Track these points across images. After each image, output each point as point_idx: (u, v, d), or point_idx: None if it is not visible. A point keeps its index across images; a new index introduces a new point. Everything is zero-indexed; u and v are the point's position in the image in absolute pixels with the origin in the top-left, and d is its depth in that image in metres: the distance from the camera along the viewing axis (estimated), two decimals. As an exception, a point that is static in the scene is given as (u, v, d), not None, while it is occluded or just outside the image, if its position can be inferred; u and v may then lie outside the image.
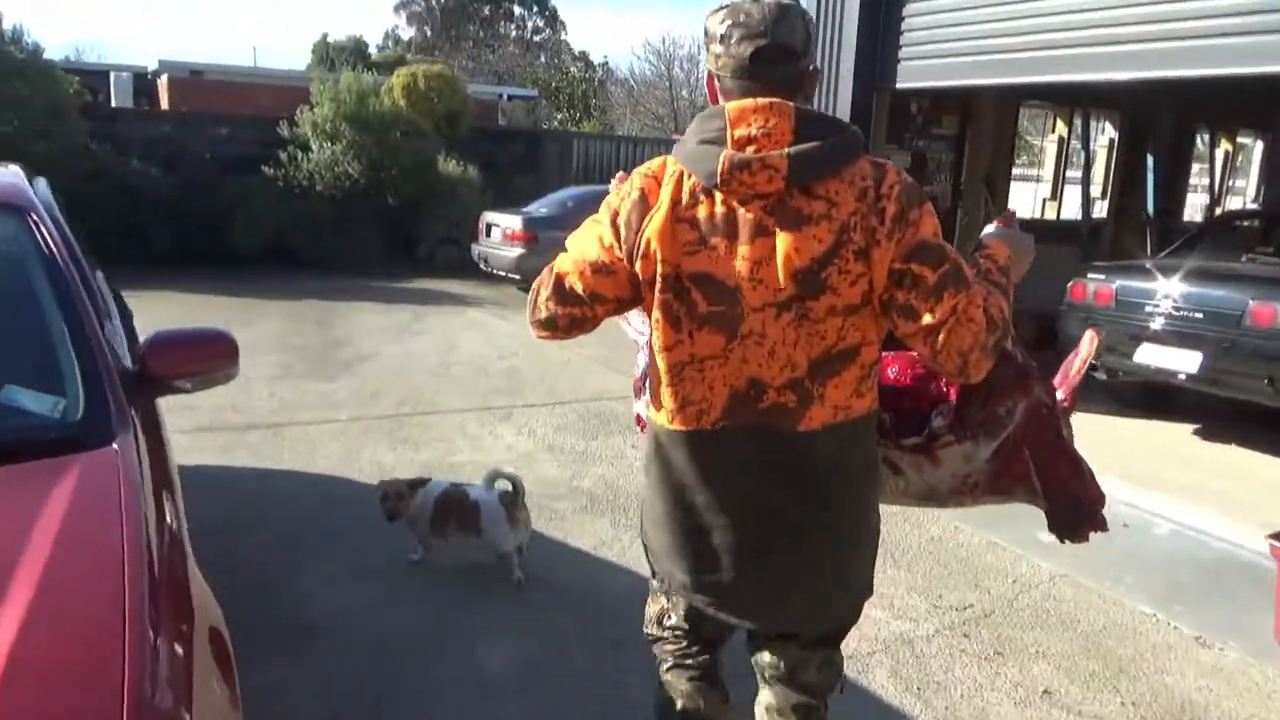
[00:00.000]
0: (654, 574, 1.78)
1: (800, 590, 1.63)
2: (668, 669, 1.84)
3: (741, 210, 1.49)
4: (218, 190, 11.98)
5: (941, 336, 1.45)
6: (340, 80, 12.54)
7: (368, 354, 7.25)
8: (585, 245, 1.61)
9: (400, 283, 11.28)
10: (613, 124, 30.88)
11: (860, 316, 1.50)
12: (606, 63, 37.51)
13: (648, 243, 1.51)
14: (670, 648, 1.84)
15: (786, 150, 1.45)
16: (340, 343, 7.61)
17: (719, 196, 1.50)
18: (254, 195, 11.90)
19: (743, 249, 1.48)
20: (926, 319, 1.45)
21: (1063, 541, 1.89)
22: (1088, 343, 2.04)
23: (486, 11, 44.72)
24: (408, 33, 44.30)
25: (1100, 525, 1.86)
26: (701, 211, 1.50)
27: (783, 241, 1.46)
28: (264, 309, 9.03)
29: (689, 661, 1.82)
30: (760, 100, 1.49)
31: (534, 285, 1.68)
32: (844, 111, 6.25)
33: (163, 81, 15.97)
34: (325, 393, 6.02)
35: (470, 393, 6.22)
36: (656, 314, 1.55)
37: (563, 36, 42.92)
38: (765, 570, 1.62)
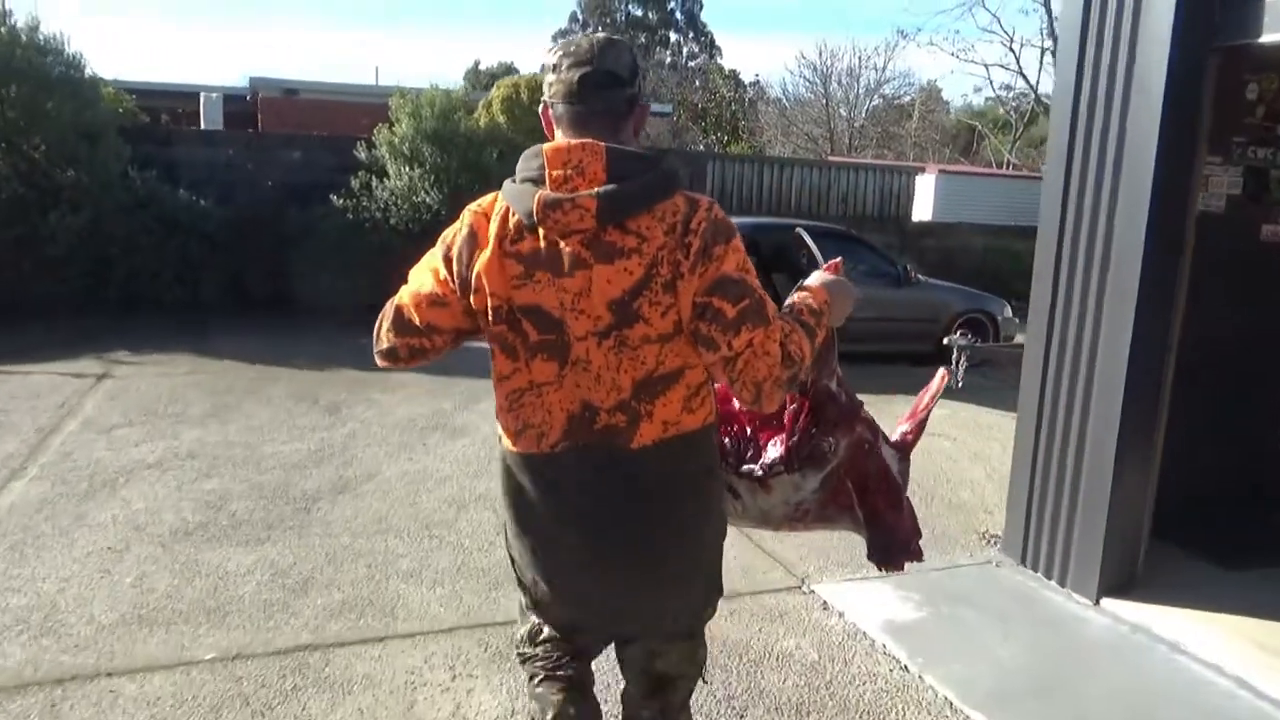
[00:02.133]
0: (520, 583, 1.84)
1: (644, 596, 1.74)
2: (539, 682, 1.87)
3: (562, 244, 1.56)
4: (279, 223, 10.13)
5: (738, 367, 1.53)
6: (421, 94, 10.48)
7: (356, 478, 4.86)
8: (421, 278, 1.70)
9: (470, 340, 8.96)
10: (763, 146, 28.20)
11: (676, 343, 1.60)
12: (758, 81, 34.94)
13: (478, 277, 1.60)
14: (541, 662, 1.87)
15: (595, 190, 1.54)
16: (329, 453, 5.26)
17: (541, 232, 1.57)
18: (317, 229, 9.96)
19: (564, 281, 1.57)
20: (724, 350, 1.53)
21: (880, 570, 2.01)
22: (938, 380, 2.23)
23: (643, 39, 43.58)
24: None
25: (915, 556, 2.03)
26: (526, 246, 1.59)
27: (598, 274, 1.56)
28: (272, 383, 6.88)
29: (560, 673, 1.85)
30: (574, 141, 1.58)
31: (379, 316, 1.74)
32: (1153, 91, 3.40)
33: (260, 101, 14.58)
34: (226, 576, 3.62)
35: (479, 582, 3.69)
36: (493, 344, 1.67)
37: (718, 61, 40.80)
38: (610, 579, 1.71)
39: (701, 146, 25.35)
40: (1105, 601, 3.64)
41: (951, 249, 14.55)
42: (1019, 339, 9.87)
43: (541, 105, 1.68)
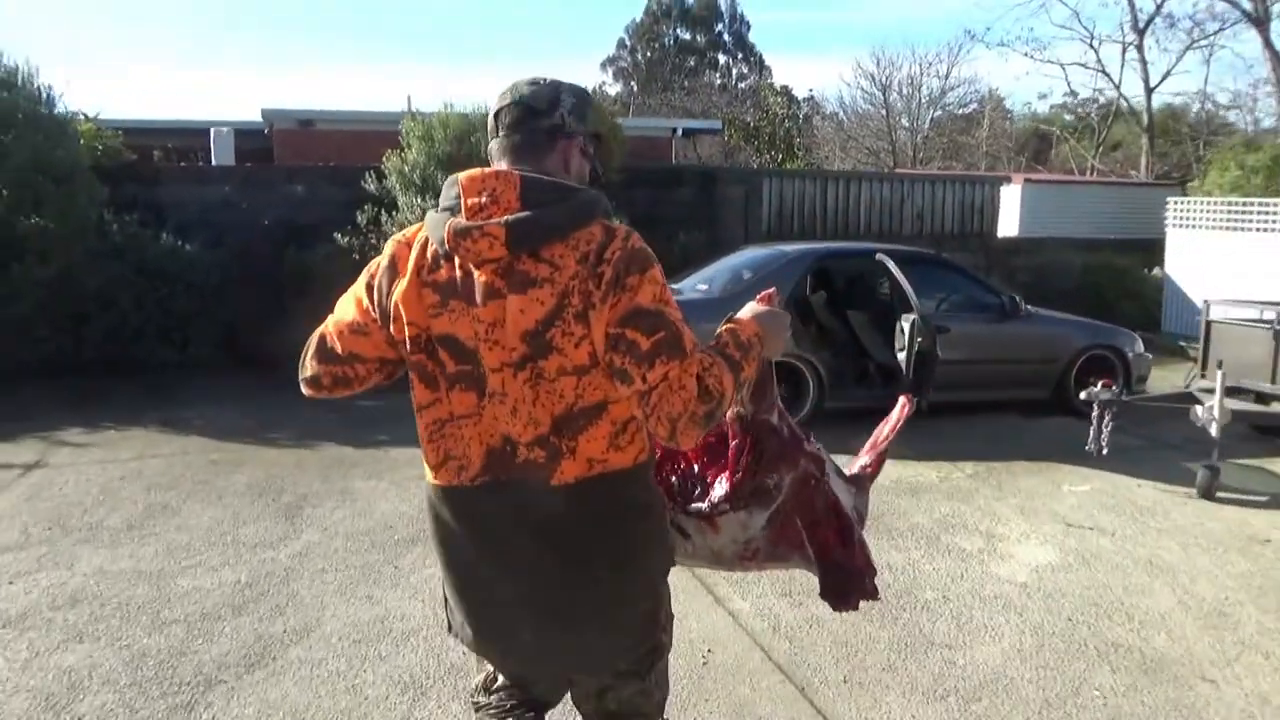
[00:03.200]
0: (450, 626, 1.82)
1: (568, 638, 1.68)
2: None
3: (476, 274, 1.55)
4: (276, 268, 8.93)
5: (652, 401, 1.48)
6: (434, 116, 9.23)
7: (283, 636, 3.49)
8: (345, 307, 1.69)
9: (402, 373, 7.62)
10: (820, 164, 26.64)
11: (595, 376, 1.56)
12: (812, 96, 33.35)
13: (396, 306, 1.59)
14: (494, 712, 1.83)
15: (505, 218, 1.52)
16: (263, 589, 3.90)
17: (457, 260, 1.56)
18: (319, 272, 8.72)
19: (477, 311, 1.55)
20: (638, 384, 1.49)
21: (835, 610, 1.90)
22: (899, 409, 2.20)
23: (691, 63, 42.61)
24: (614, 88, 42.78)
25: (869, 594, 1.92)
26: (443, 275, 1.57)
27: (511, 304, 1.53)
28: (233, 470, 5.58)
29: None
30: (489, 170, 1.59)
31: (306, 343, 1.73)
32: None
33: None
34: None
35: None
36: (413, 373, 1.64)
37: (769, 80, 39.45)
38: (532, 619, 1.67)
39: (755, 165, 23.91)
40: None
41: (1044, 268, 12.80)
42: (1145, 377, 8.25)
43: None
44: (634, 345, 1.48)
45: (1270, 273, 10.28)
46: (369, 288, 1.65)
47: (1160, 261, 12.81)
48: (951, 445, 6.40)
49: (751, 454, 1.79)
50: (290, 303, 8.70)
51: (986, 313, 7.20)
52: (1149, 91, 18.52)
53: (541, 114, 1.63)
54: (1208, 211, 11.12)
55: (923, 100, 25.98)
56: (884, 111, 26.27)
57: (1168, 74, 18.75)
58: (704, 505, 1.84)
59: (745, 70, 43.67)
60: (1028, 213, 13.83)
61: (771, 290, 1.83)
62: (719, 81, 40.31)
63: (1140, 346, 7.63)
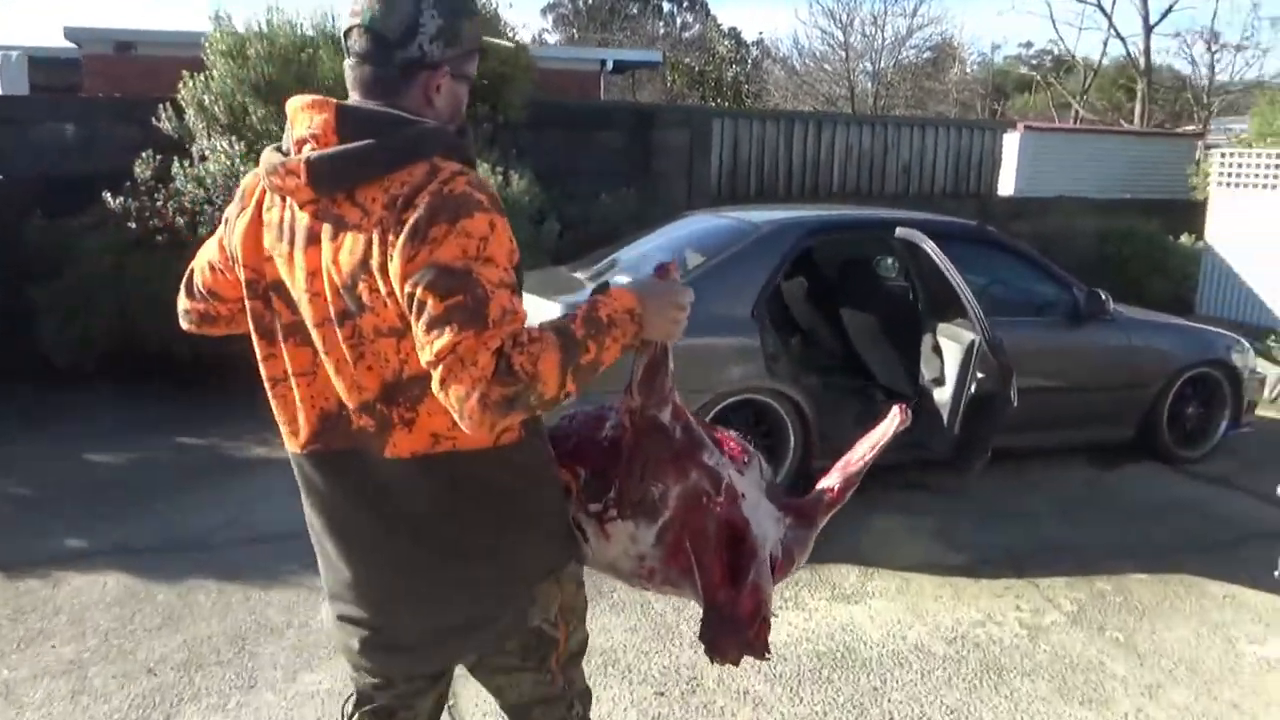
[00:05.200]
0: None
1: (412, 628, 1.52)
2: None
3: (301, 215, 1.37)
4: (17, 245, 6.19)
5: (438, 375, 1.25)
6: (248, 29, 6.50)
7: None
8: (210, 242, 1.57)
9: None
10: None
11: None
12: (762, 39, 30.75)
13: (235, 245, 1.46)
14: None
15: (305, 155, 1.34)
16: None
17: (288, 200, 1.39)
18: (79, 250, 6.03)
19: (299, 258, 1.38)
20: (426, 354, 1.27)
21: (710, 659, 1.63)
22: (891, 421, 1.83)
23: (635, 10, 40.05)
24: (554, 37, 39.87)
25: (754, 649, 1.60)
26: (274, 215, 1.42)
27: (326, 251, 1.35)
28: None
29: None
30: (312, 98, 1.39)
31: None
32: None
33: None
34: None
35: None
36: (251, 322, 1.48)
37: (714, 22, 36.73)
38: (378, 606, 1.51)
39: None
40: None
41: (1053, 235, 10.53)
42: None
43: None
44: (423, 308, 1.25)
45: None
46: (225, 221, 1.50)
47: (1192, 228, 10.64)
48: (1009, 531, 4.06)
49: (637, 456, 1.52)
50: (37, 294, 6.02)
51: (1050, 314, 4.83)
52: (1148, 30, 16.36)
53: (394, 45, 1.37)
54: (1268, 167, 8.88)
55: (886, 41, 23.54)
56: (843, 54, 23.69)
57: (1170, 9, 16.24)
58: (599, 507, 1.56)
59: (690, 20, 41.14)
60: (1028, 167, 11.51)
61: (673, 262, 1.56)
62: (663, 30, 37.69)
63: (1252, 358, 5.34)
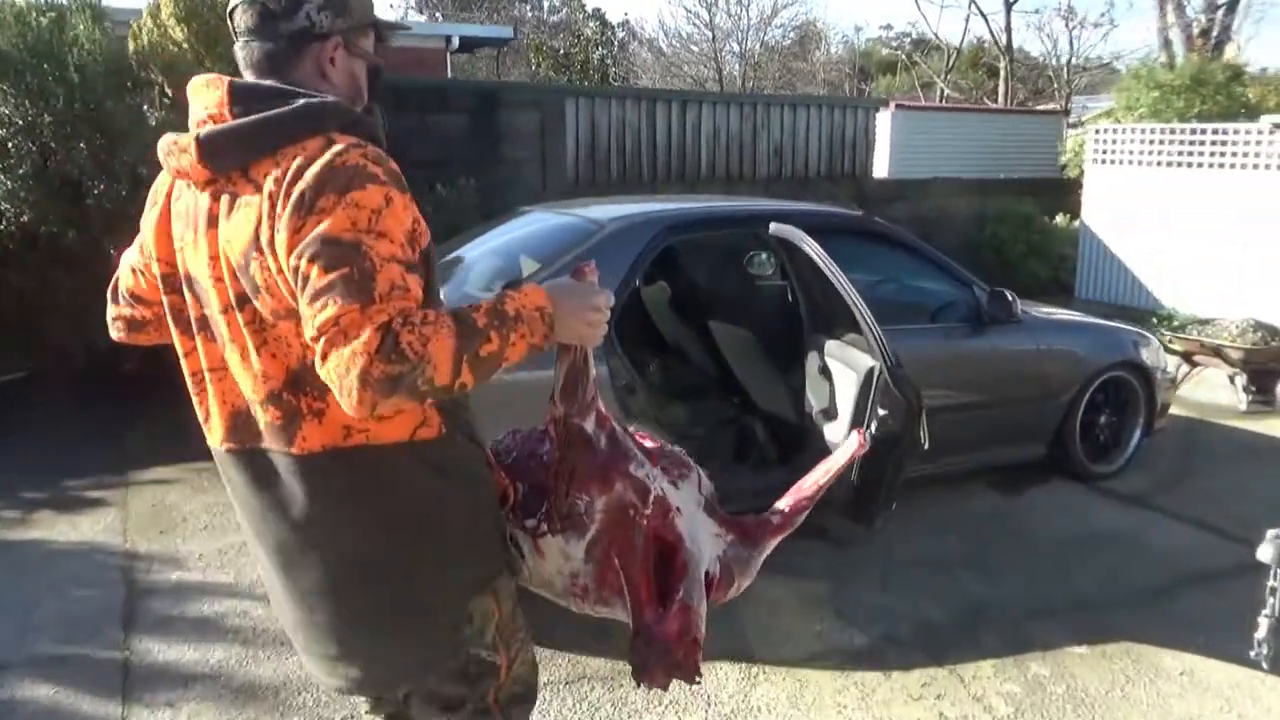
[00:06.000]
0: None
1: (333, 641, 1.43)
2: None
3: (202, 198, 1.34)
4: None
5: (319, 349, 1.19)
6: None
7: None
8: (131, 246, 1.52)
9: (114, 486, 4.01)
10: (639, 94, 23.31)
11: None
12: (628, 21, 29.90)
13: (150, 241, 1.43)
14: None
15: (197, 132, 1.31)
16: None
17: (192, 186, 1.35)
18: None
19: (201, 243, 1.34)
20: (309, 329, 1.21)
21: (636, 683, 1.55)
22: (850, 445, 1.86)
23: None
24: (419, 17, 37.79)
25: (683, 671, 1.53)
26: (181, 205, 1.38)
27: (222, 232, 1.31)
28: None
29: None
30: (209, 76, 1.36)
31: None
32: None
33: None
34: None
35: None
36: (170, 320, 1.44)
37: (580, 3, 35.63)
38: (300, 614, 1.44)
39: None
40: None
41: (930, 218, 10.09)
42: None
43: None
44: (307, 281, 1.20)
45: (1215, 223, 7.87)
46: (143, 222, 1.47)
47: (1065, 207, 10.38)
48: (917, 591, 3.33)
49: (563, 468, 1.48)
50: None
51: (949, 319, 4.13)
52: (1009, 7, 16.31)
53: (279, 16, 1.35)
54: (1141, 143, 8.60)
55: (752, 21, 23.02)
56: (710, 33, 23.08)
57: (1027, -14, 16.18)
58: (534, 522, 1.51)
59: (558, 3, 39.93)
60: (899, 147, 11.06)
61: (589, 264, 1.45)
62: (530, 15, 36.40)
63: (1162, 355, 4.81)
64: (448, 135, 7.30)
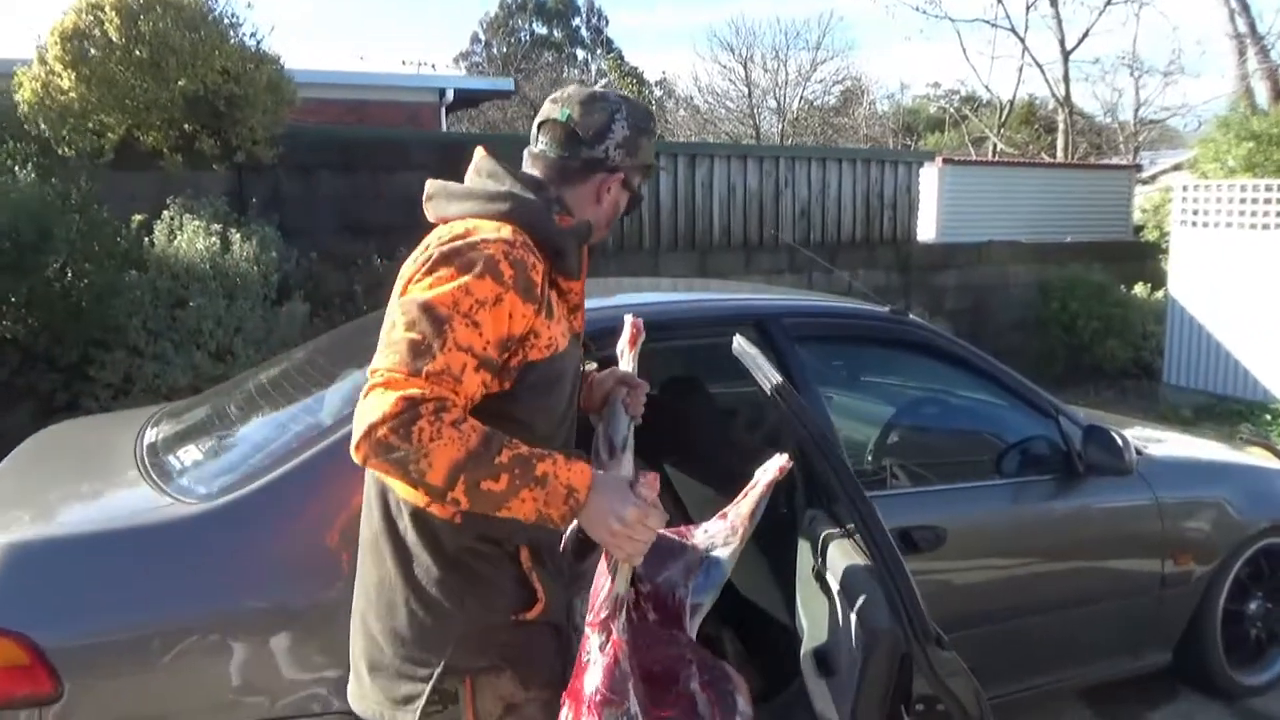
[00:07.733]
0: None
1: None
2: None
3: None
4: None
5: (366, 385, 1.29)
6: None
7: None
8: None
9: None
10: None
11: None
12: (665, 79, 29.17)
13: None
14: None
15: (430, 190, 1.52)
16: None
17: None
18: None
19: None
20: (372, 362, 1.32)
21: None
22: (770, 471, 1.84)
23: (549, 58, 38.63)
24: (407, 70, 38.05)
25: None
26: None
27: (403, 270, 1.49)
28: None
29: None
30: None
31: None
32: None
33: None
34: None
35: None
36: None
37: (615, 59, 35.33)
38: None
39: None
40: None
41: (985, 289, 8.72)
42: None
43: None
44: (393, 326, 1.32)
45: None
46: None
47: (1142, 274, 8.93)
48: None
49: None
50: None
51: (1023, 468, 2.75)
52: (1065, 55, 14.92)
53: (584, 142, 1.51)
54: (1241, 200, 7.16)
55: (789, 75, 22.00)
56: (745, 89, 22.03)
57: (1087, 33, 14.91)
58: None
59: (605, 67, 39.99)
60: (948, 207, 9.71)
61: (653, 475, 1.35)
62: (579, 78, 36.35)
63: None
64: (401, 198, 6.13)
